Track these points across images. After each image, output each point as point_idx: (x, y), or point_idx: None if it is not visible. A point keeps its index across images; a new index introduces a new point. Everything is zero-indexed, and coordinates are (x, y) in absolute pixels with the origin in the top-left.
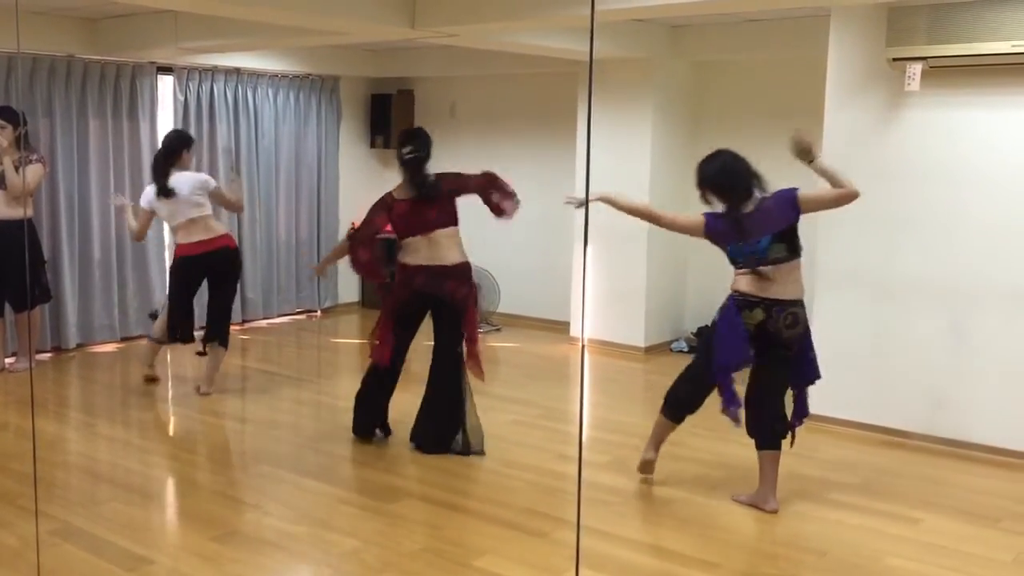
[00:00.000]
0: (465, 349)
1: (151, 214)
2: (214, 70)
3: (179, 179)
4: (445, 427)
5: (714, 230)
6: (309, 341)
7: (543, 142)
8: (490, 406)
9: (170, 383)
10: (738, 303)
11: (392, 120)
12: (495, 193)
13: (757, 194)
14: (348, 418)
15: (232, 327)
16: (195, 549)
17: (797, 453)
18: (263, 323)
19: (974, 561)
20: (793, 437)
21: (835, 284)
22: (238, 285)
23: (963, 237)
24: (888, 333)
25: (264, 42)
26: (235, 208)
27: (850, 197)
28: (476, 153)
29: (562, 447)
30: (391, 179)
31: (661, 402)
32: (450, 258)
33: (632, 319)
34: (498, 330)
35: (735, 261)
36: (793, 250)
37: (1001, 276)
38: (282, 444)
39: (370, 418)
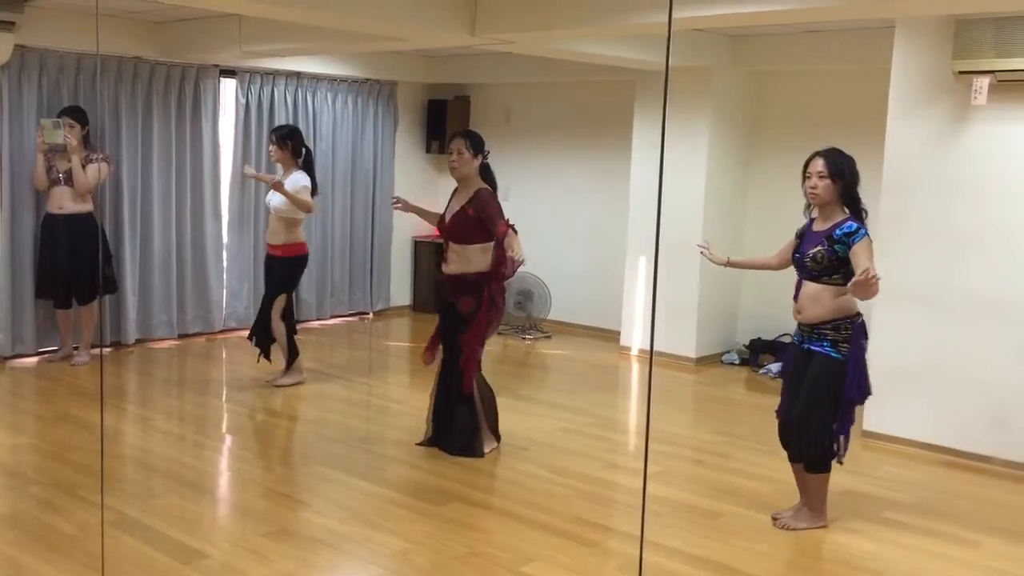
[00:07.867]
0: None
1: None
2: (275, 74)
3: (290, 177)
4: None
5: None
6: (361, 343)
7: (597, 150)
8: (539, 412)
9: (224, 380)
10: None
11: (448, 126)
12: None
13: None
14: (399, 420)
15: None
16: (247, 545)
17: (853, 471)
18: (316, 324)
19: None
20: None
21: (893, 300)
22: (294, 291)
23: None
24: (948, 351)
25: (325, 47)
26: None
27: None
28: (531, 160)
29: (611, 456)
30: (446, 184)
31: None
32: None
33: (684, 330)
34: (548, 337)
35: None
36: None
37: None
38: (333, 444)
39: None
